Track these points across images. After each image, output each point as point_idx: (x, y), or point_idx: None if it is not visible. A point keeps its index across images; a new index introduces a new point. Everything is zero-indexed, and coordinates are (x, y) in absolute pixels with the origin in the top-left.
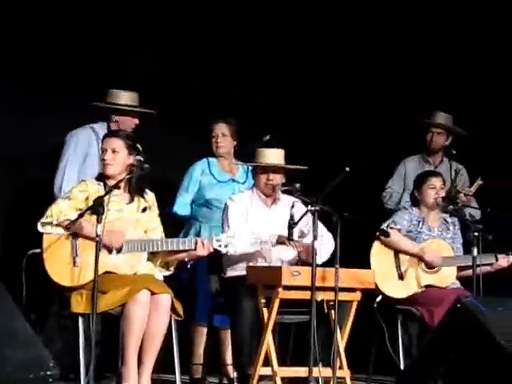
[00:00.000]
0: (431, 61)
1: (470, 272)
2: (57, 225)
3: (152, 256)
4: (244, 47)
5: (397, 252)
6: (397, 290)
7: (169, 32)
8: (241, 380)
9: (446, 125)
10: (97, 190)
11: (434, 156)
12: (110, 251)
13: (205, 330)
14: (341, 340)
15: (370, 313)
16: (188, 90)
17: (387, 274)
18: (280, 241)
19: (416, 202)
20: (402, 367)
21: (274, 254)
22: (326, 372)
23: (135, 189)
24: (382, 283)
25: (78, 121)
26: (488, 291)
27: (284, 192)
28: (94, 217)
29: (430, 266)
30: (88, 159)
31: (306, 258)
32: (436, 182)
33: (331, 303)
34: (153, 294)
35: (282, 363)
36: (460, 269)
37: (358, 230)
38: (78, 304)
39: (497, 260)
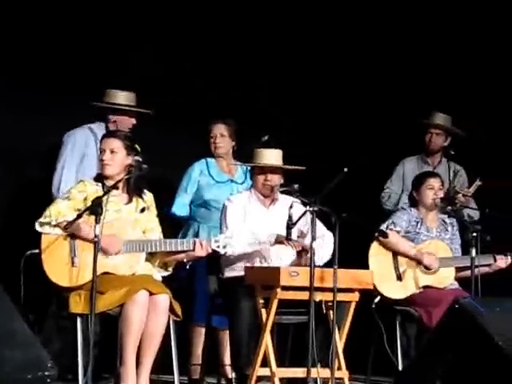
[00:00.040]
0: (431, 61)
1: (468, 273)
2: (55, 225)
3: (150, 256)
4: (244, 47)
5: (395, 253)
6: (395, 290)
7: (169, 32)
8: (239, 380)
9: (444, 125)
10: (95, 190)
11: (433, 157)
12: (107, 256)
13: (203, 330)
14: (339, 341)
15: (369, 313)
16: (188, 90)
17: (385, 274)
18: (278, 240)
19: (414, 202)
20: (400, 368)
21: (273, 253)
22: (325, 373)
23: (134, 189)
24: (381, 284)
25: (78, 121)
26: (486, 292)
27: (283, 192)
28: (93, 217)
29: (428, 268)
30: (85, 159)
31: (305, 262)
32: (434, 182)
33: (329, 304)
34: (151, 294)
35: (280, 364)
36: (458, 269)
37: (356, 231)
38: (77, 304)
39: (495, 261)
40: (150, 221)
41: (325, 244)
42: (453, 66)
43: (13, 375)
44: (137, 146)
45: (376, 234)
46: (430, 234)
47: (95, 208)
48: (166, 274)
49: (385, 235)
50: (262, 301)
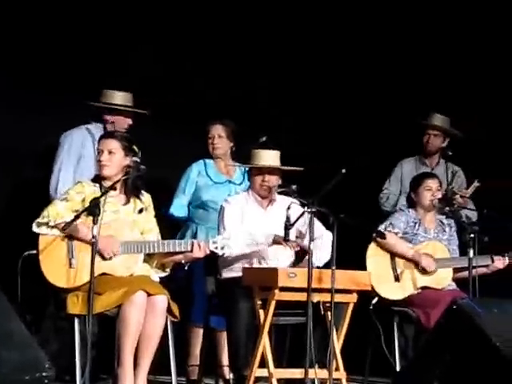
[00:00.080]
0: (431, 61)
1: (466, 273)
2: (53, 226)
3: (148, 257)
4: (244, 47)
5: (393, 254)
6: (393, 291)
7: (168, 32)
8: (237, 381)
9: (442, 127)
10: (93, 191)
11: (431, 158)
12: (104, 258)
13: (201, 331)
14: (337, 341)
15: (366, 314)
16: (187, 90)
17: (383, 275)
18: (276, 241)
19: (412, 203)
20: (397, 369)
21: (271, 254)
22: (322, 373)
23: (131, 190)
24: (378, 285)
25: (78, 121)
26: (484, 293)
27: (280, 193)
28: (90, 218)
29: (425, 270)
30: (82, 160)
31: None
32: (432, 183)
33: (327, 305)
34: (149, 295)
35: (278, 365)
36: (456, 270)
37: (354, 232)
38: (74, 305)
39: (493, 261)
40: (148, 222)
41: (324, 244)
42: (452, 66)
43: (10, 376)
44: (135, 147)
45: (374, 235)
46: (428, 235)
47: (93, 209)
48: (163, 274)
49: (383, 236)
50: (259, 302)
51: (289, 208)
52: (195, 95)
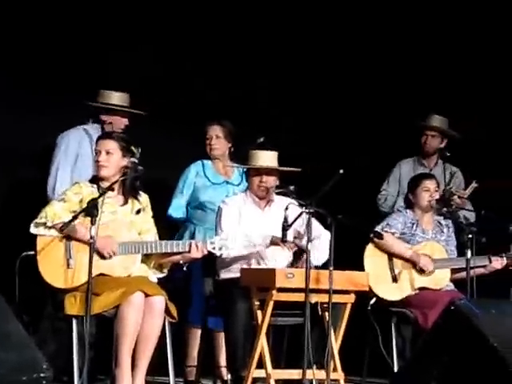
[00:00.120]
0: (430, 61)
1: (463, 274)
2: (50, 227)
3: (146, 258)
4: (244, 47)
5: (390, 254)
6: (391, 292)
7: (168, 32)
8: (235, 382)
9: (440, 127)
10: (90, 192)
11: (429, 159)
12: (103, 257)
13: (199, 332)
14: (335, 342)
15: (364, 315)
16: (187, 90)
17: (381, 276)
18: (274, 242)
19: (410, 204)
20: (395, 369)
21: (268, 254)
22: (320, 374)
23: (129, 191)
24: (376, 285)
25: (77, 121)
26: (482, 293)
27: (278, 194)
28: (88, 219)
29: (423, 270)
30: (79, 160)
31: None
32: (430, 184)
33: (325, 305)
34: (147, 296)
35: (275, 365)
36: (454, 271)
37: (352, 233)
38: (72, 306)
39: (490, 262)
40: (146, 222)
41: (322, 243)
42: (452, 66)
43: (8, 377)
44: (133, 148)
45: (371, 236)
46: (426, 235)
47: (91, 209)
48: (161, 275)
49: (380, 236)
50: (257, 302)
51: (286, 208)
52: (195, 95)
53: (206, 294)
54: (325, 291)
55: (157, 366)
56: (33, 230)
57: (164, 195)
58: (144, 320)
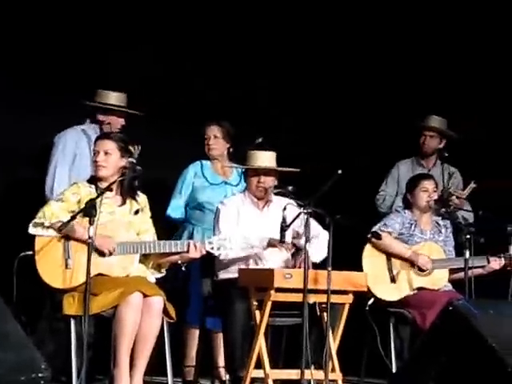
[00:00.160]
0: (430, 62)
1: (462, 274)
2: (48, 227)
3: (144, 258)
4: (244, 47)
5: (389, 255)
6: (389, 292)
7: (168, 32)
8: (233, 382)
9: (438, 128)
10: (88, 192)
11: (428, 159)
12: (101, 255)
13: (197, 332)
14: (333, 342)
15: (362, 315)
16: (187, 90)
17: (379, 276)
18: (271, 244)
19: (408, 204)
20: (393, 370)
21: (267, 255)
22: (318, 374)
23: (127, 191)
24: (374, 286)
25: (77, 121)
26: (480, 294)
27: (277, 194)
28: (86, 219)
29: (421, 269)
30: (77, 160)
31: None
32: (428, 185)
33: (323, 306)
34: (145, 296)
35: (274, 366)
36: (452, 271)
37: (350, 233)
38: (70, 306)
39: (489, 262)
40: (144, 222)
41: (320, 242)
42: (452, 66)
43: (6, 377)
44: (132, 147)
45: (369, 236)
46: (424, 236)
47: (89, 210)
48: (159, 275)
49: (378, 237)
50: (255, 303)
51: (285, 209)
52: (195, 95)
53: (204, 295)
54: (323, 291)
55: (155, 366)
56: (31, 230)
57: (164, 195)
58: (142, 320)
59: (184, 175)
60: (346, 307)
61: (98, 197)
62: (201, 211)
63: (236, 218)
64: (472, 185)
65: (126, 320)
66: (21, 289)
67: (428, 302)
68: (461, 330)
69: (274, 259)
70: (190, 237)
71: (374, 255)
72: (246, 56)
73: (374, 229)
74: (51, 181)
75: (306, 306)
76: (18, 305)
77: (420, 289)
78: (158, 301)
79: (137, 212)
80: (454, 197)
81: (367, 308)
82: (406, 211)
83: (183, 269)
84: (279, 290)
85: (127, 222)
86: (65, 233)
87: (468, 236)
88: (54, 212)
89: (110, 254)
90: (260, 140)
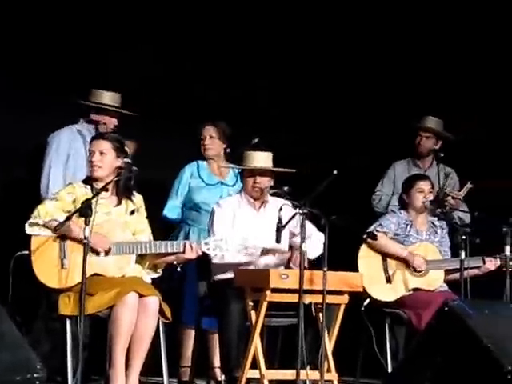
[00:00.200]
0: (430, 62)
1: (457, 275)
2: (44, 226)
3: (140, 258)
4: (244, 47)
5: (384, 255)
6: (384, 293)
7: (168, 32)
8: (228, 383)
9: (434, 129)
10: (84, 192)
11: (424, 160)
12: (97, 254)
13: (193, 332)
14: (328, 343)
15: (358, 316)
16: (187, 90)
17: (375, 277)
18: (264, 253)
19: (404, 205)
20: (389, 370)
21: (262, 261)
22: (314, 375)
23: (123, 191)
24: (370, 286)
25: (72, 120)
26: (475, 294)
27: (273, 195)
28: (82, 219)
29: (417, 270)
30: (71, 159)
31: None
32: (424, 185)
33: (319, 306)
34: (141, 296)
35: (269, 366)
36: (448, 272)
37: (346, 233)
38: (66, 306)
39: (484, 263)
40: (140, 223)
41: (313, 242)
42: (452, 66)
43: (1, 377)
44: (126, 148)
45: (364, 236)
46: (420, 236)
47: (85, 210)
48: (155, 275)
49: (374, 237)
50: (251, 303)
51: (280, 209)
52: (195, 95)
53: (200, 295)
54: (319, 292)
55: (151, 367)
56: (28, 230)
57: (161, 196)
58: (138, 320)
59: (180, 176)
60: (342, 307)
61: (93, 197)
62: (197, 212)
63: (231, 219)
64: (468, 185)
65: (122, 320)
66: (16, 288)
67: (423, 302)
68: (456, 330)
69: (269, 263)
70: (186, 237)
71: (370, 256)
72: (245, 56)
73: (370, 229)
74: (46, 180)
75: (301, 306)
76: (13, 305)
77: (416, 289)
78: (153, 301)
79: (132, 212)
80: (449, 197)
81: (363, 308)
82: (402, 212)
83: (179, 269)
84: (275, 290)
85: (123, 222)
86: (61, 232)
87: (464, 237)
88: (48, 211)
89: (106, 253)
90: (256, 140)
